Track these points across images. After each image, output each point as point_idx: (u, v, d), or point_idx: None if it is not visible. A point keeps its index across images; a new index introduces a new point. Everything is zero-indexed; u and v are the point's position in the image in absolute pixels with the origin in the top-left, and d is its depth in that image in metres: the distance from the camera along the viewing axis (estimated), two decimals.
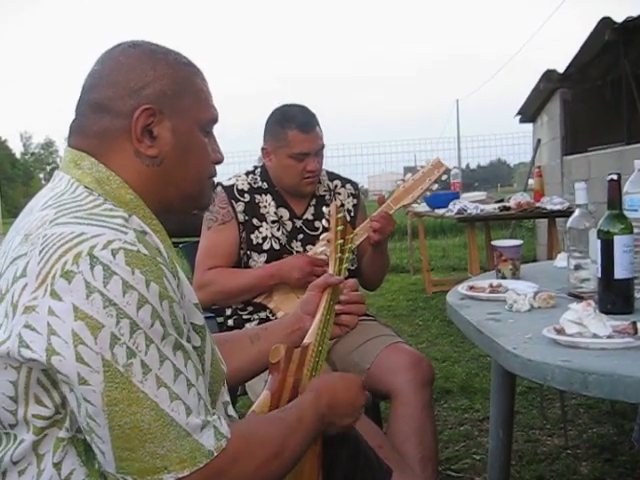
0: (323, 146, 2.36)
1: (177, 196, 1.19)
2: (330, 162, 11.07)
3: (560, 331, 1.41)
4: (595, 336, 1.36)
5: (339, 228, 1.69)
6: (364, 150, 13.70)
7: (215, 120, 1.23)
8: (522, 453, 2.85)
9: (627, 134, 6.40)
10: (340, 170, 2.43)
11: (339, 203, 2.44)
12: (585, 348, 1.34)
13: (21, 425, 1.00)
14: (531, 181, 8.19)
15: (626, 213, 1.67)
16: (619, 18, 6.05)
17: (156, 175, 1.15)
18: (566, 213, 5.16)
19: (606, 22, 6.11)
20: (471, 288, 1.97)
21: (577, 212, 1.86)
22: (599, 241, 1.61)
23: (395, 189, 2.35)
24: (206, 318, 1.16)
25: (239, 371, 1.44)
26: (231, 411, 1.23)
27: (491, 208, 5.35)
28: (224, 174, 2.55)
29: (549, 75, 7.60)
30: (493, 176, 40.71)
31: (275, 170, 2.37)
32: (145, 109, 1.12)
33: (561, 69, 7.50)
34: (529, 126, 10.18)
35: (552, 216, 5.27)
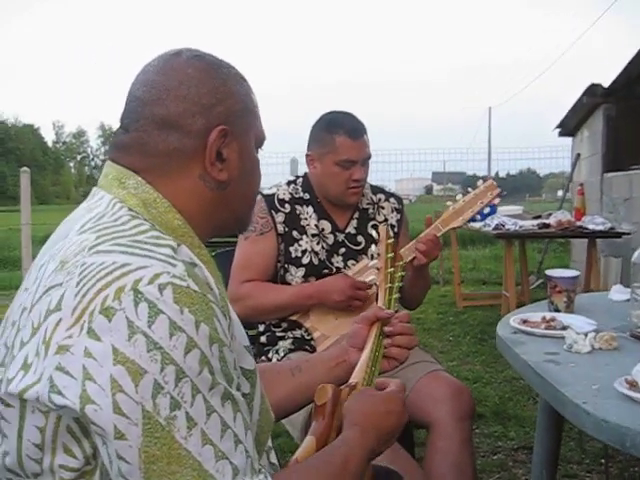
0: (370, 156, 2.26)
1: (230, 219, 1.11)
2: None
3: (633, 385, 1.28)
4: None
5: (389, 255, 1.56)
6: (392, 158, 13.57)
7: (265, 138, 1.15)
8: None
9: None
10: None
11: (382, 217, 2.34)
12: None
13: (46, 475, 0.89)
14: (569, 195, 8.04)
15: None
16: None
17: (217, 199, 1.06)
18: (608, 234, 5.02)
19: None
20: (524, 322, 1.85)
21: None
22: None
23: (444, 210, 2.23)
24: None
25: (278, 404, 1.31)
26: (273, 458, 1.13)
27: (529, 224, 5.24)
28: None
29: (593, 89, 7.42)
30: (521, 185, 40.25)
31: (320, 178, 2.27)
32: (221, 130, 1.02)
33: (606, 83, 7.32)
34: (563, 138, 9.94)
35: (593, 237, 5.11)
